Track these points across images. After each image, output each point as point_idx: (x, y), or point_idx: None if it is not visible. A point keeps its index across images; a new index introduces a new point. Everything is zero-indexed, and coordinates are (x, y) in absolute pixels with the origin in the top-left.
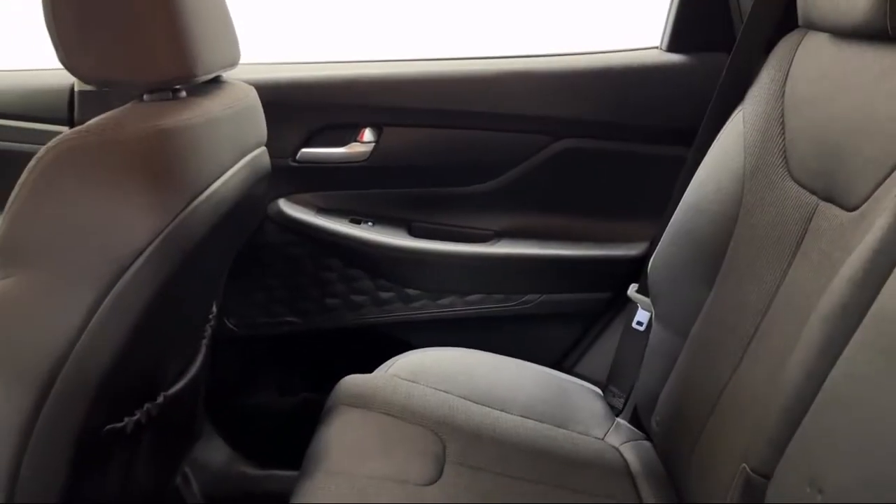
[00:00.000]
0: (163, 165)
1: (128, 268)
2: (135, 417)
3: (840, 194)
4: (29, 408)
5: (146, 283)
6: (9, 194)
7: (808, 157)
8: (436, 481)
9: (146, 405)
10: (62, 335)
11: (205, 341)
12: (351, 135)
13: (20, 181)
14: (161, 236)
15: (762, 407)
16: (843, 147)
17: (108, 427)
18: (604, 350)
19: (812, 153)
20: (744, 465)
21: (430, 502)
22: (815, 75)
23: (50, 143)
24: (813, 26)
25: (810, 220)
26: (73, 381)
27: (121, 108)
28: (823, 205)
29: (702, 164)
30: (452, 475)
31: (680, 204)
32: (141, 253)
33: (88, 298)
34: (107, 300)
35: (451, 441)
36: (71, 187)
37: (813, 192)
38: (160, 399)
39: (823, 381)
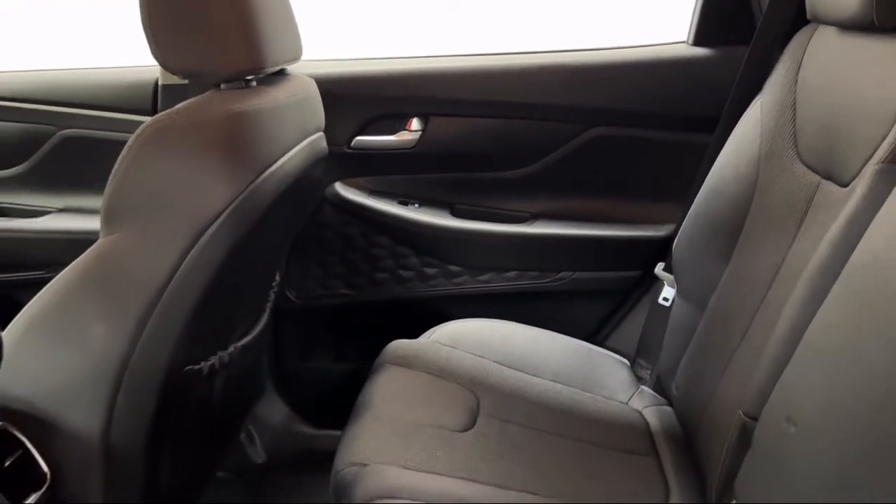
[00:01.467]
0: (237, 143)
1: (206, 229)
2: (210, 362)
3: (837, 172)
4: (127, 344)
5: (221, 243)
6: (101, 173)
7: (813, 140)
8: (469, 429)
9: (219, 353)
10: (153, 285)
11: (269, 305)
12: (400, 124)
13: (122, 155)
14: (235, 203)
15: (757, 360)
16: (840, 129)
17: (188, 368)
18: (633, 326)
19: (816, 136)
20: (739, 411)
21: (463, 445)
22: (822, 65)
23: (146, 123)
24: (818, 20)
25: (812, 197)
26: (161, 325)
27: (202, 96)
28: (824, 183)
29: (722, 150)
30: (484, 425)
31: (702, 187)
32: (218, 216)
33: (174, 254)
34: (189, 256)
35: (485, 397)
36: (162, 160)
37: (816, 172)
38: (231, 349)
39: (804, 332)
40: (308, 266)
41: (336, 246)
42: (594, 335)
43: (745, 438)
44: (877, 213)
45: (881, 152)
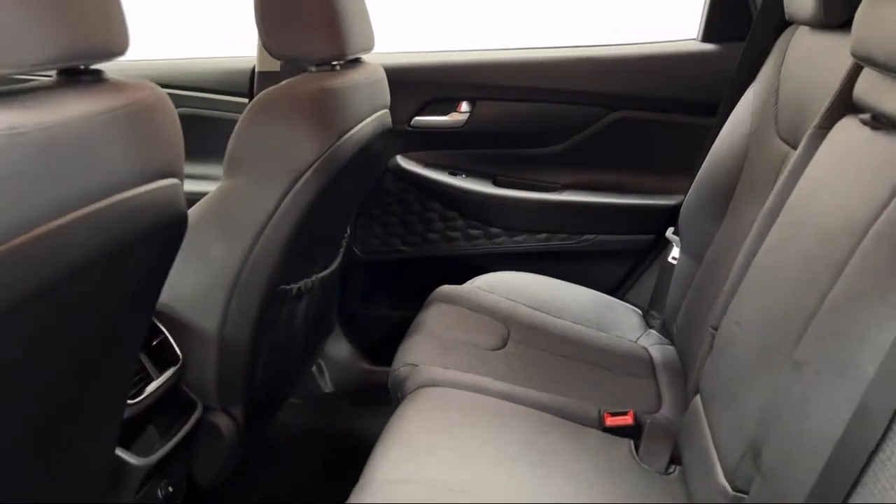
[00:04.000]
0: (324, 113)
1: (300, 177)
2: (297, 285)
3: (798, 141)
4: (239, 262)
5: (310, 189)
6: (208, 145)
7: (787, 119)
8: (499, 349)
9: (304, 280)
10: (259, 218)
11: (341, 251)
12: (451, 106)
13: (240, 119)
14: (321, 159)
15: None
16: (804, 109)
17: (281, 287)
18: (647, 282)
19: (790, 116)
20: (710, 326)
21: (492, 359)
22: (798, 58)
23: (259, 96)
24: (794, 20)
25: (783, 164)
26: (263, 250)
27: (298, 76)
28: (791, 151)
29: (721, 130)
30: (512, 348)
31: (704, 161)
32: (309, 168)
33: (276, 195)
34: (286, 197)
35: (514, 329)
36: (270, 124)
37: (787, 144)
38: (313, 278)
39: (753, 258)
40: (372, 226)
41: (396, 209)
42: (614, 291)
43: (710, 345)
44: (806, 167)
45: (816, 121)
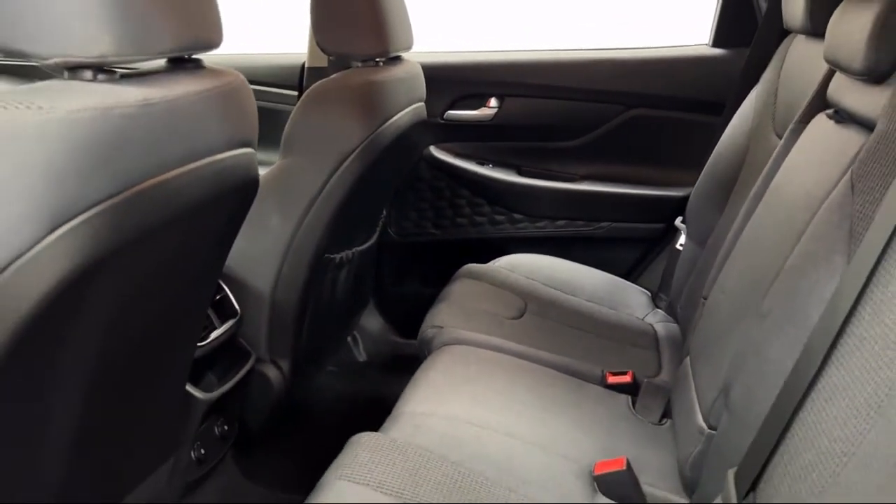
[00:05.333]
0: (369, 103)
1: (346, 158)
2: (340, 255)
3: None
4: (291, 231)
5: (354, 169)
6: (260, 133)
7: (781, 117)
8: (517, 319)
9: (345, 251)
10: (310, 193)
11: (378, 229)
12: (481, 102)
13: (296, 106)
14: (364, 143)
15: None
16: (795, 107)
17: (326, 255)
18: (658, 267)
19: (783, 113)
20: (702, 298)
21: (510, 326)
22: (794, 63)
23: (313, 86)
24: (790, 30)
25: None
26: (312, 221)
27: (346, 71)
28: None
29: (727, 128)
30: (528, 318)
31: (711, 156)
32: (354, 150)
33: (325, 173)
34: (333, 175)
35: (531, 303)
36: (321, 111)
37: (779, 138)
38: (353, 251)
39: (740, 235)
40: (406, 211)
41: (428, 195)
42: (626, 275)
43: (700, 314)
44: (786, 156)
45: (797, 116)
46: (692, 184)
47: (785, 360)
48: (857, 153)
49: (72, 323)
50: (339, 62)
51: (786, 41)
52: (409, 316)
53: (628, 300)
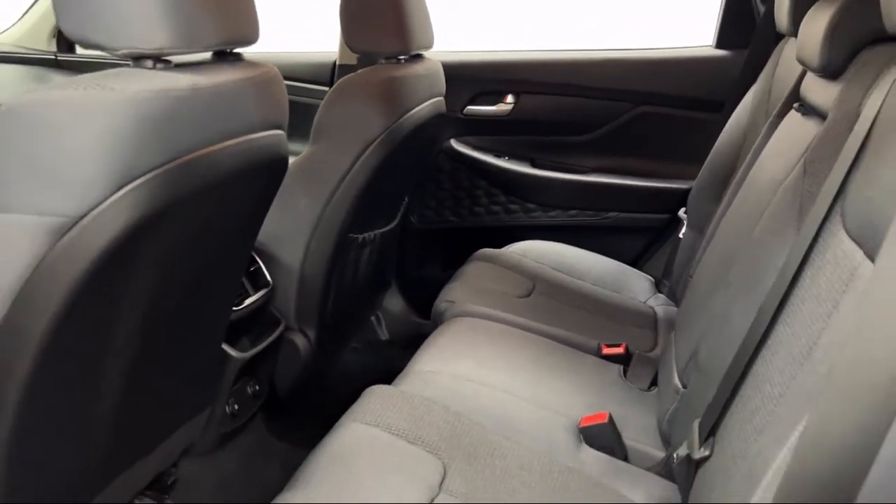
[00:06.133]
0: (391, 95)
1: (369, 146)
2: (362, 235)
3: None
4: (318, 211)
5: (376, 156)
6: (292, 124)
7: (773, 112)
8: (526, 297)
9: (368, 232)
10: (336, 177)
11: (399, 214)
12: (498, 98)
13: (325, 98)
14: (386, 132)
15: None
16: (780, 103)
17: (350, 234)
18: (662, 256)
19: (774, 109)
20: (688, 276)
21: (518, 303)
22: (785, 63)
23: (340, 81)
24: (782, 33)
25: None
26: (338, 203)
27: (370, 67)
28: None
29: (726, 125)
30: (535, 297)
31: (711, 151)
32: (376, 139)
33: (349, 159)
34: (357, 161)
35: (540, 285)
36: (347, 102)
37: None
38: (375, 232)
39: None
40: (427, 199)
41: (448, 185)
42: (632, 263)
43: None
44: (764, 147)
45: (775, 111)
46: (694, 177)
47: (743, 321)
48: (811, 141)
49: (127, 274)
50: (367, 60)
51: (781, 43)
52: (428, 298)
53: (632, 285)
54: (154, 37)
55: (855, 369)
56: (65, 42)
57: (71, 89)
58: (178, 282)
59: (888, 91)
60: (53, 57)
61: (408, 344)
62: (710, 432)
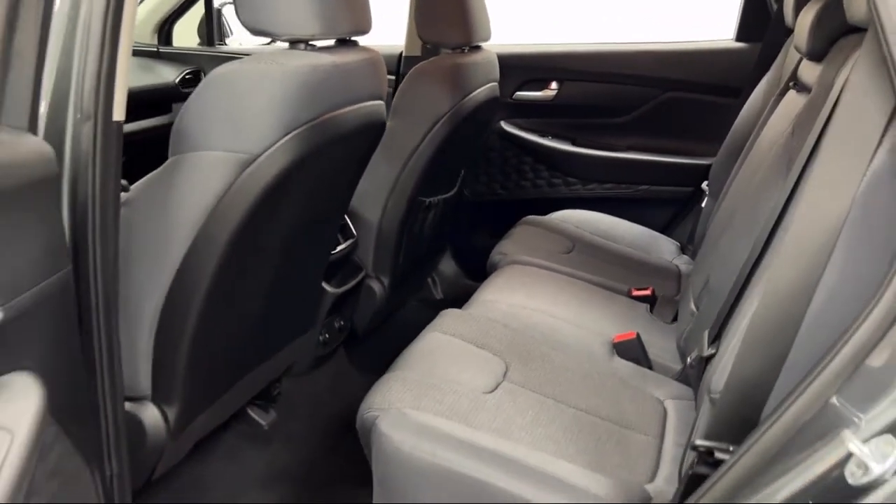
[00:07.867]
0: (456, 80)
1: (437, 122)
2: (429, 199)
3: None
4: (395, 175)
5: (442, 131)
6: None
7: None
8: (567, 253)
9: (433, 197)
10: (410, 146)
11: (458, 184)
12: (544, 85)
13: (403, 83)
14: (451, 111)
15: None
16: None
17: (419, 198)
18: (687, 225)
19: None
20: (706, 229)
21: (561, 258)
22: (793, 50)
23: (415, 67)
24: (791, 28)
25: None
26: (411, 168)
27: (438, 56)
28: None
29: (743, 108)
30: (576, 253)
31: (730, 131)
32: (443, 116)
33: (421, 133)
34: (428, 135)
35: (579, 244)
36: (420, 85)
37: None
38: (438, 198)
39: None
40: (479, 175)
41: (497, 162)
42: (661, 230)
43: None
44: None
45: (778, 90)
46: (715, 153)
47: (744, 251)
48: (800, 111)
49: (279, 206)
50: (431, 51)
51: (790, 37)
52: (478, 263)
53: (660, 248)
54: (307, 27)
55: (797, 251)
56: (164, 37)
57: (254, 63)
58: (304, 220)
59: (850, 69)
60: (156, 49)
61: (459, 303)
62: (716, 336)
